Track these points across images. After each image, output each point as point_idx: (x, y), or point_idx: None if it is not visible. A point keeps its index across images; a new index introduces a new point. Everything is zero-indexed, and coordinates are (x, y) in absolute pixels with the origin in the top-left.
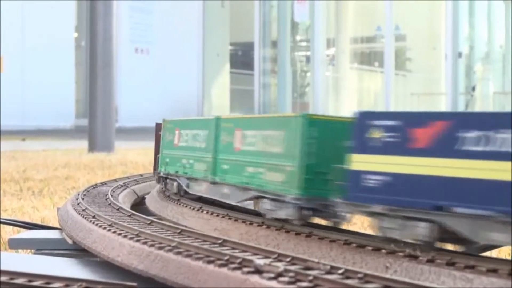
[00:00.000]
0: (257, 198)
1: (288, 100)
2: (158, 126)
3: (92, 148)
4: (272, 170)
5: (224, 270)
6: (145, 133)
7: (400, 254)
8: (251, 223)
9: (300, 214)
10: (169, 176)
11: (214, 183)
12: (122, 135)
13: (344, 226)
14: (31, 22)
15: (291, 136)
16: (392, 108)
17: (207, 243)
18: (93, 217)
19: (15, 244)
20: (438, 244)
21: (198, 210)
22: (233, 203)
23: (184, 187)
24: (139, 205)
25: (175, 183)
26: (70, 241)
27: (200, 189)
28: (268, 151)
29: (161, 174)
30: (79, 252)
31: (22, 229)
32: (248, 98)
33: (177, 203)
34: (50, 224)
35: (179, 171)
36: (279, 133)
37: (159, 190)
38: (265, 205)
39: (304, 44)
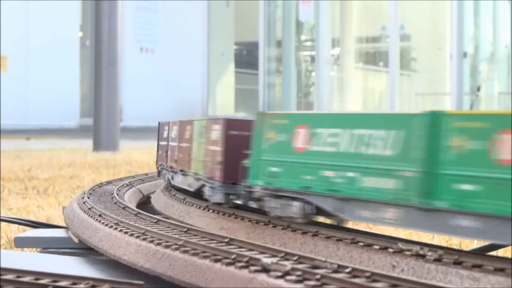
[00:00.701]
0: None
1: (293, 100)
2: (231, 123)
3: (97, 147)
4: None
5: (231, 268)
6: (149, 133)
7: (407, 253)
8: (257, 222)
9: None
10: (278, 193)
11: (429, 210)
12: (127, 134)
13: (350, 225)
14: (35, 22)
15: None
16: (397, 109)
17: (214, 241)
18: (99, 215)
19: (21, 243)
20: None
21: (204, 209)
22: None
23: (328, 210)
24: (144, 204)
25: (297, 204)
26: (76, 240)
27: (377, 216)
28: None
29: (257, 189)
30: (85, 250)
31: (27, 228)
32: (252, 97)
33: (183, 202)
34: (56, 223)
35: (315, 187)
36: None
37: (165, 189)
38: None
39: (309, 43)
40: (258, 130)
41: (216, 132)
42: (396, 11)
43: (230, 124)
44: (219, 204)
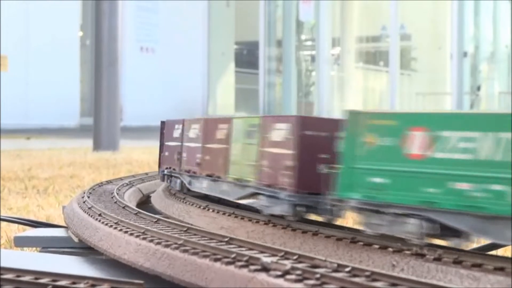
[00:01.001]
0: None
1: (293, 100)
2: (306, 121)
3: (97, 147)
4: None
5: (231, 268)
6: (150, 132)
7: (407, 252)
8: (257, 221)
9: None
10: (386, 209)
11: None
12: (127, 134)
13: (350, 225)
14: (35, 22)
15: None
16: (397, 108)
17: (214, 241)
18: (99, 215)
19: (21, 242)
20: None
21: (204, 208)
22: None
23: (463, 230)
24: (144, 203)
25: (413, 221)
26: (76, 239)
27: None
28: None
29: (353, 203)
30: (85, 250)
31: (27, 227)
32: (253, 97)
33: (183, 201)
34: (56, 222)
35: (441, 202)
36: None
37: (165, 189)
38: None
39: (309, 43)
40: (351, 132)
41: (282, 132)
42: (397, 11)
43: (305, 122)
44: (280, 217)
